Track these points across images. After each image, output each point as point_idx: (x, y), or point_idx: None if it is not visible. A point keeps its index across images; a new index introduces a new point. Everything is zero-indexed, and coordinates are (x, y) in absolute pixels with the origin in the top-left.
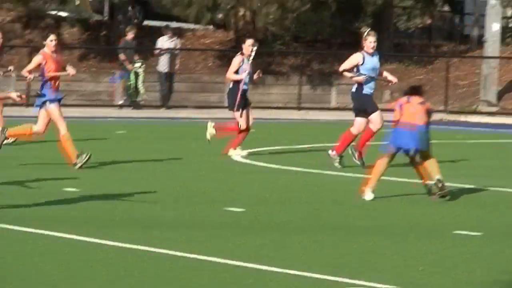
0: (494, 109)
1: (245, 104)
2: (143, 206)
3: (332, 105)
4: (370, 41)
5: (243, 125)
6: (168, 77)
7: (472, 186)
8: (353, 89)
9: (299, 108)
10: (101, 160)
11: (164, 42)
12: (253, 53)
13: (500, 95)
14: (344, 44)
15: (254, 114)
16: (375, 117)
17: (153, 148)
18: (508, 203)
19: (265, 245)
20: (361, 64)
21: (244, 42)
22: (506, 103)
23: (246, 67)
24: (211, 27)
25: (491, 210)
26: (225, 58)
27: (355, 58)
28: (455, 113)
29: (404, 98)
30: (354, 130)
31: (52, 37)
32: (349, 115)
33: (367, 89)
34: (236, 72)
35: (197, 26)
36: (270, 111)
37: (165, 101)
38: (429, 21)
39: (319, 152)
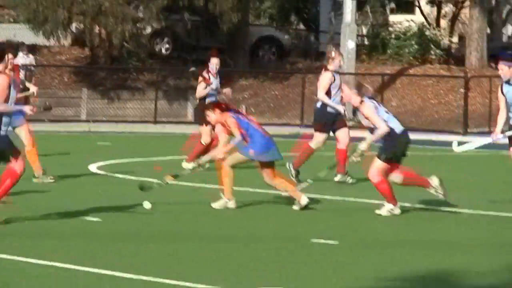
0: (350, 123)
1: None
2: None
3: (188, 118)
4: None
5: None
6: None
7: (328, 197)
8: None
9: (155, 122)
10: None
11: (19, 58)
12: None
13: (355, 110)
14: (198, 60)
15: (111, 128)
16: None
17: None
18: (361, 213)
19: (122, 253)
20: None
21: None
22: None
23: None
24: (66, 44)
25: (346, 220)
26: (80, 74)
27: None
28: (311, 126)
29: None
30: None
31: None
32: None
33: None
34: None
35: (52, 43)
36: (126, 124)
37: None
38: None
39: (176, 163)
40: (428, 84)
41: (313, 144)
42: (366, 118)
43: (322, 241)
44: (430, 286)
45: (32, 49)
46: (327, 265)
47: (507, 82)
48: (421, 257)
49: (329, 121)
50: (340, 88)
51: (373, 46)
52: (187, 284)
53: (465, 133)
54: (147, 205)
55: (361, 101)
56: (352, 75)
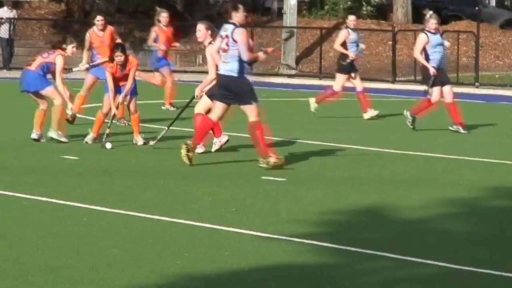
0: (293, 72)
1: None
2: None
3: (147, 68)
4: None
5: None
6: (9, 43)
7: (274, 138)
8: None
9: None
10: None
11: (4, 12)
12: None
13: (298, 60)
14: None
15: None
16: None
17: None
18: (309, 154)
19: (97, 187)
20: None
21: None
22: (303, 66)
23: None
24: None
25: (294, 159)
26: (57, 26)
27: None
28: (260, 75)
29: None
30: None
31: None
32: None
33: None
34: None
35: None
36: None
37: (7, 64)
38: None
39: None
40: (361, 37)
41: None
42: None
43: (271, 178)
44: (367, 219)
45: (15, 4)
46: (277, 199)
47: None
48: (357, 193)
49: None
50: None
51: (312, 2)
52: (152, 216)
53: (394, 81)
54: (108, 145)
55: None
56: (293, 28)
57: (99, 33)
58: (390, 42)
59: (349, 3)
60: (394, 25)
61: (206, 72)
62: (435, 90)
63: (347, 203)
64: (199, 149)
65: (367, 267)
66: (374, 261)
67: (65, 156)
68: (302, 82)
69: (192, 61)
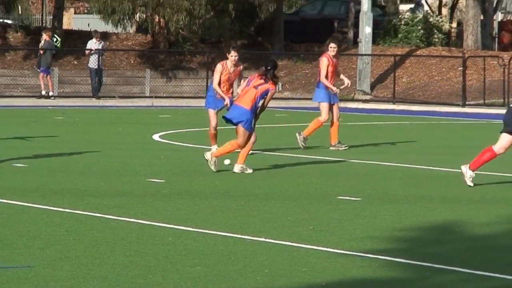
0: (368, 97)
1: None
2: (82, 178)
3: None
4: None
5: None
6: (98, 73)
7: (350, 160)
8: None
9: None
10: (45, 142)
11: (93, 44)
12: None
13: (373, 86)
14: (242, 45)
15: (171, 103)
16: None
17: (88, 130)
18: (381, 174)
19: (181, 208)
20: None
21: None
22: (377, 92)
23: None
24: (131, 31)
25: (368, 180)
26: (144, 57)
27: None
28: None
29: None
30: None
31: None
32: None
33: None
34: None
35: (119, 31)
36: (183, 100)
37: (96, 92)
38: None
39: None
40: (432, 63)
41: None
42: None
43: (347, 198)
44: (437, 235)
45: (103, 36)
46: (352, 218)
47: None
48: (428, 211)
49: None
50: None
51: (386, 31)
52: (234, 235)
53: (464, 105)
54: (226, 161)
55: None
56: (368, 56)
57: (230, 68)
58: (461, 68)
59: (422, 31)
60: (465, 51)
61: (285, 98)
62: None
63: (418, 220)
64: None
65: (437, 281)
66: (444, 275)
67: (151, 179)
68: (376, 107)
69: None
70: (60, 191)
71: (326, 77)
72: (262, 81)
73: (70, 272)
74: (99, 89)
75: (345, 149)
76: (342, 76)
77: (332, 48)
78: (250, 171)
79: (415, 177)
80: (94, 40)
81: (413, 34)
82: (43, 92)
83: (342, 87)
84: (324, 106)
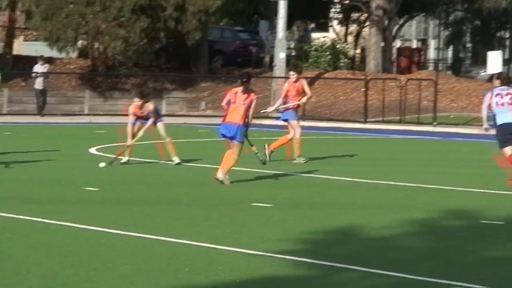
0: (280, 115)
1: None
2: (25, 186)
3: (163, 112)
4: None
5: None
6: (43, 93)
7: (263, 170)
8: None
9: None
10: None
11: (38, 67)
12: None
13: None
14: (171, 68)
15: (107, 120)
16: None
17: (33, 144)
18: (291, 183)
19: (113, 214)
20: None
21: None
22: None
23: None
24: (74, 56)
25: (280, 188)
26: (84, 79)
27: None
28: (254, 118)
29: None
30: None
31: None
32: (175, 120)
33: None
34: None
35: (63, 56)
36: (118, 117)
37: (40, 111)
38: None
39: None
40: (338, 85)
41: None
42: None
43: (260, 204)
44: (339, 237)
45: (49, 61)
46: (264, 221)
47: None
48: (331, 216)
49: None
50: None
51: (298, 56)
52: (159, 237)
53: (365, 121)
54: (102, 164)
55: None
56: (282, 78)
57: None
58: (363, 89)
59: (329, 56)
60: (367, 74)
61: (208, 116)
62: None
63: (322, 224)
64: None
65: (339, 278)
66: (344, 273)
67: (87, 188)
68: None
69: (196, 106)
70: (5, 198)
71: (287, 99)
72: (245, 95)
73: (13, 271)
74: (43, 108)
75: (304, 162)
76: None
77: (291, 75)
78: (227, 182)
79: (320, 185)
80: (39, 64)
81: (321, 59)
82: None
83: (272, 107)
84: (293, 124)
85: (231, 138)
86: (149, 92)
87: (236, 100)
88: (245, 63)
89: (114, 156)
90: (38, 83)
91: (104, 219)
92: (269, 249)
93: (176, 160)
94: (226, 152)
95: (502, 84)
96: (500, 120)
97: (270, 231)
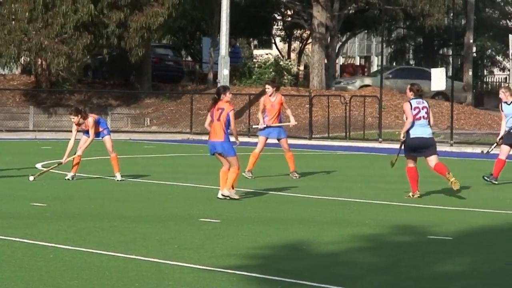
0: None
1: None
2: None
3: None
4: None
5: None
6: None
7: (210, 186)
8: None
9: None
10: None
11: None
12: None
13: None
14: (115, 84)
15: (52, 136)
16: None
17: None
18: (241, 199)
19: (61, 229)
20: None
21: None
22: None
23: None
24: (17, 72)
25: (226, 203)
26: (28, 95)
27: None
28: (198, 134)
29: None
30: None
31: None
32: (120, 136)
33: None
34: None
35: (6, 72)
36: (62, 133)
37: None
38: None
39: (104, 161)
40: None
41: None
42: None
43: (208, 220)
44: (288, 252)
45: None
46: (212, 237)
47: None
48: (280, 231)
49: None
50: None
51: (242, 73)
52: (108, 252)
53: (311, 137)
54: (31, 178)
55: None
56: None
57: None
58: (307, 105)
59: (273, 73)
60: (311, 91)
61: (153, 132)
62: None
63: (271, 240)
64: None
65: None
66: None
67: (34, 204)
68: (233, 139)
69: (141, 122)
70: None
71: (264, 113)
72: (220, 110)
73: None
74: None
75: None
76: (289, 113)
77: (267, 88)
78: (236, 196)
79: (269, 201)
80: None
81: (265, 75)
82: None
83: (259, 126)
84: (260, 140)
85: (222, 155)
86: (87, 108)
87: (214, 117)
88: (178, 79)
89: (45, 169)
90: None
91: (52, 234)
92: (219, 264)
93: (118, 177)
94: (221, 171)
95: (416, 96)
96: (414, 133)
97: (219, 246)
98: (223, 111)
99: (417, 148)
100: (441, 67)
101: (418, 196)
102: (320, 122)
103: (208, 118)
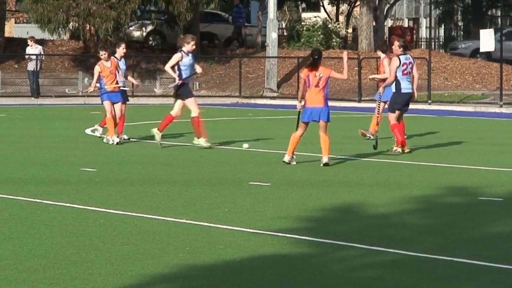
0: (275, 94)
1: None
2: (23, 168)
3: (157, 93)
4: (191, 43)
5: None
6: (36, 75)
7: (260, 150)
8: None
9: (133, 96)
10: None
11: (31, 49)
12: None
13: (279, 84)
14: (164, 49)
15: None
16: (189, 103)
17: (28, 126)
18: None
19: (112, 194)
20: (181, 61)
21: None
22: (283, 90)
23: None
24: (65, 38)
25: (276, 167)
26: (76, 60)
27: (176, 57)
28: (247, 97)
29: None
30: (173, 112)
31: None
32: (169, 100)
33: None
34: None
35: (55, 38)
36: None
37: (34, 92)
38: None
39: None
40: (332, 64)
41: None
42: None
43: (258, 183)
44: (338, 215)
45: (41, 42)
46: (263, 200)
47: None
48: (330, 194)
49: None
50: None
51: (290, 36)
52: (158, 217)
53: (360, 100)
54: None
55: None
56: (275, 58)
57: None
58: (356, 68)
59: (321, 36)
60: (359, 53)
61: (202, 96)
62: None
63: (321, 202)
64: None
65: (339, 255)
66: (344, 250)
67: (84, 169)
68: (282, 103)
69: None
70: (3, 180)
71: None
72: (318, 77)
73: (13, 252)
74: (37, 90)
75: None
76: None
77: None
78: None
79: (317, 164)
80: (30, 45)
81: (314, 38)
82: None
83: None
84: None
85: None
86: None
87: (311, 83)
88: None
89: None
90: (31, 65)
91: (102, 199)
92: (269, 228)
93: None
94: (294, 135)
95: (404, 52)
96: (403, 88)
97: (269, 209)
98: (321, 75)
99: (408, 102)
100: (489, 28)
101: (408, 151)
102: (369, 85)
103: (302, 82)
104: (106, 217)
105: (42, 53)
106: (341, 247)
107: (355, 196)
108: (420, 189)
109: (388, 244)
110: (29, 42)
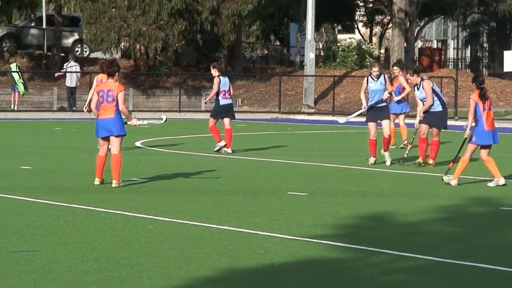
0: (312, 110)
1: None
2: (77, 177)
3: (202, 108)
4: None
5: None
6: (73, 91)
7: (298, 162)
8: None
9: (180, 111)
10: (46, 148)
11: (73, 67)
12: None
13: (316, 101)
14: (208, 67)
15: (150, 115)
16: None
17: (83, 138)
18: (324, 173)
19: (159, 202)
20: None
21: None
22: (320, 106)
23: None
24: (117, 56)
25: (313, 178)
26: (127, 78)
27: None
28: (286, 113)
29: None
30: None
31: None
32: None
33: None
34: None
35: (108, 56)
36: (159, 113)
37: (71, 106)
38: (266, 52)
39: (195, 140)
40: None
41: None
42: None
43: (296, 193)
44: (369, 223)
45: (94, 61)
46: (300, 209)
47: None
48: (362, 203)
49: None
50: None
51: (327, 56)
52: (203, 224)
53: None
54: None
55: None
56: (312, 76)
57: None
58: None
59: (356, 56)
60: (391, 72)
61: (244, 112)
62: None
63: (354, 211)
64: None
65: (370, 261)
66: (375, 256)
67: (134, 178)
68: (319, 118)
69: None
70: (59, 189)
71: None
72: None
73: (68, 256)
74: (74, 104)
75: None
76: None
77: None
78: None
79: (352, 175)
80: (72, 63)
81: (348, 58)
82: (12, 107)
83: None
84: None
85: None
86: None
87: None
88: (279, 62)
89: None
90: (71, 81)
91: (151, 207)
92: (305, 234)
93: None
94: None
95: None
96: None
97: (306, 217)
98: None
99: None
100: None
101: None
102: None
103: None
104: (154, 224)
105: (79, 70)
106: (372, 253)
107: (385, 205)
108: (447, 199)
109: (416, 250)
110: (70, 58)
